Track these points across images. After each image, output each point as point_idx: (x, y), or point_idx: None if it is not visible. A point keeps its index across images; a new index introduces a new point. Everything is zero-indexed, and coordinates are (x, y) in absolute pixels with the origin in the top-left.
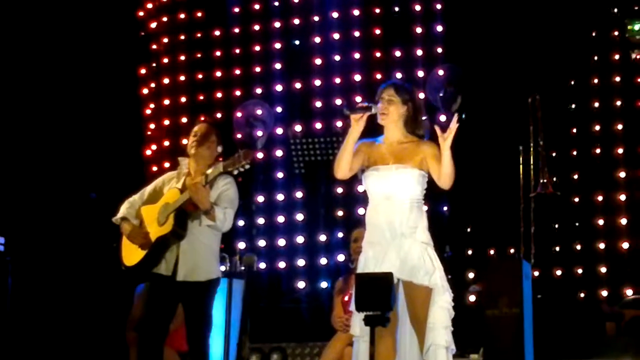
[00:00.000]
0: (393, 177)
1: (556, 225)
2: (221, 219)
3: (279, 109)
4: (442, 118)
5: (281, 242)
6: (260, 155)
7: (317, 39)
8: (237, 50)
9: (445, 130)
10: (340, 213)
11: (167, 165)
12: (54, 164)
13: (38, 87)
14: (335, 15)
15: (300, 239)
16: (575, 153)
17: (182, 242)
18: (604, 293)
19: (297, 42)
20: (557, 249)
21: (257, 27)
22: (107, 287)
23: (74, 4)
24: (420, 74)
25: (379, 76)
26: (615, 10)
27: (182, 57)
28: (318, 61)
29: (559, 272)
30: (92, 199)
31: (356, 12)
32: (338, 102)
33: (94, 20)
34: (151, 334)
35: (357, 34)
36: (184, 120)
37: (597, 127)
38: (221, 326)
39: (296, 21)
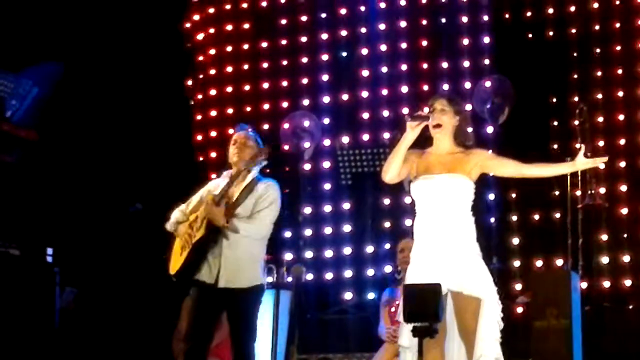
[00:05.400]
0: (443, 186)
1: (604, 237)
2: (245, 228)
3: (326, 121)
4: (489, 129)
5: (328, 253)
6: (307, 166)
7: (364, 51)
8: (285, 62)
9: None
10: (387, 224)
11: (213, 176)
12: (102, 175)
13: (85, 100)
14: (382, 27)
15: (347, 250)
16: (623, 164)
17: (224, 249)
18: None
19: (344, 54)
20: (605, 260)
21: (304, 39)
22: (155, 298)
23: (119, 16)
24: (467, 85)
25: (425, 87)
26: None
27: (229, 69)
28: (365, 73)
29: (607, 284)
30: (138, 210)
31: (403, 24)
32: (385, 113)
33: (141, 32)
34: (197, 345)
35: (404, 45)
36: (231, 131)
37: None
38: (269, 337)
39: (343, 33)
